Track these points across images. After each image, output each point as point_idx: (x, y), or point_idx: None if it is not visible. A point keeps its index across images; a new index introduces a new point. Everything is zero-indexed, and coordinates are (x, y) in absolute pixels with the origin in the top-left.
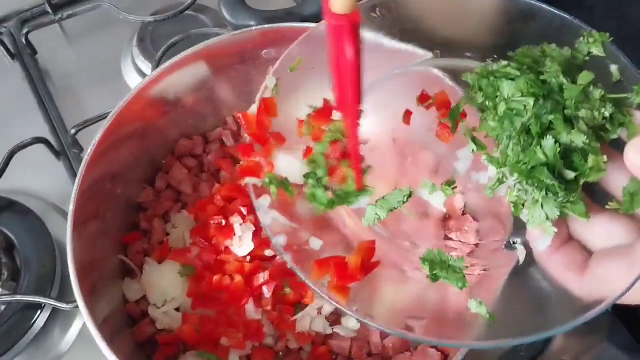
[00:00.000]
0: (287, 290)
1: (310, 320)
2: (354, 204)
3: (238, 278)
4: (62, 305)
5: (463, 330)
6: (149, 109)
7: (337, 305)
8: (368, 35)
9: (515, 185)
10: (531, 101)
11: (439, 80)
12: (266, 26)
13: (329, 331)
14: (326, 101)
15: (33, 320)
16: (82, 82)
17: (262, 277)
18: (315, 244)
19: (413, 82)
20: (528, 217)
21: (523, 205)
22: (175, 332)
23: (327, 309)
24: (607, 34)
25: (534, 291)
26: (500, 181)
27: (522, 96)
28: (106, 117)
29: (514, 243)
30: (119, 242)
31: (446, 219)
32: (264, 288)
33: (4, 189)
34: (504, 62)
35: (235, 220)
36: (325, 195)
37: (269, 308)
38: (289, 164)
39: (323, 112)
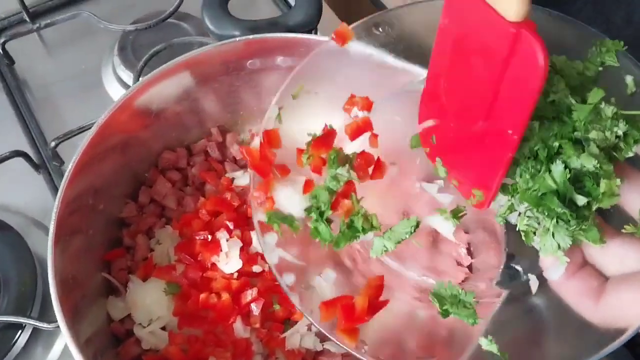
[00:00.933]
0: (276, 306)
1: (300, 337)
2: (359, 239)
3: (225, 296)
4: (43, 325)
5: None
6: (132, 121)
7: (347, 349)
8: (372, 51)
9: (525, 213)
10: (536, 125)
11: None
12: (250, 36)
13: (319, 348)
14: (326, 127)
15: (13, 341)
16: (62, 93)
17: (250, 294)
18: (328, 276)
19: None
20: (540, 245)
21: (534, 233)
22: (162, 352)
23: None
24: (621, 42)
25: (531, 320)
26: (511, 209)
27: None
28: (88, 129)
29: (522, 274)
30: (102, 259)
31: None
32: (252, 305)
33: None
34: None
35: (222, 236)
36: (329, 231)
37: (257, 326)
38: (288, 197)
39: (323, 140)
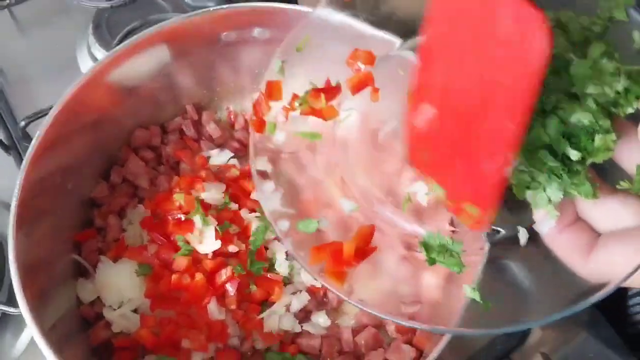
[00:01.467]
0: (253, 287)
1: (278, 318)
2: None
3: (199, 276)
4: (11, 310)
5: (451, 318)
6: (102, 97)
7: (334, 291)
8: (343, 18)
9: (518, 166)
10: None
11: None
12: (225, 6)
13: (297, 329)
14: (328, 81)
15: None
16: (35, 73)
17: (225, 273)
18: (323, 224)
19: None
20: (532, 199)
21: (527, 187)
22: (133, 336)
23: (296, 306)
24: None
25: (516, 274)
26: None
27: None
28: None
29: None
30: (72, 240)
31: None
32: (228, 285)
33: None
34: None
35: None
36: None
37: (233, 307)
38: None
39: (325, 91)
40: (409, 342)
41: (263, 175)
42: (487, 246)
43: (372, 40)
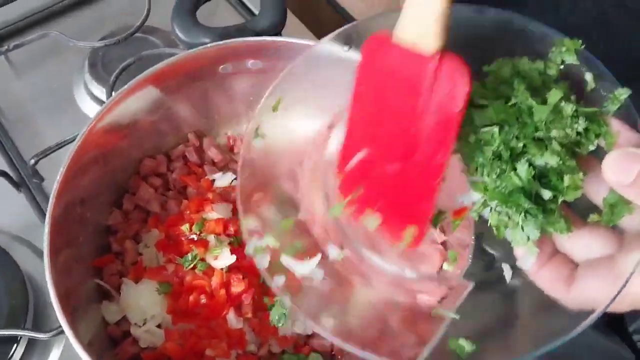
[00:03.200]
0: (266, 299)
1: (291, 323)
2: None
3: (221, 292)
4: (40, 335)
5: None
6: (110, 134)
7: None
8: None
9: (495, 209)
10: (496, 129)
11: None
12: (221, 42)
13: (309, 331)
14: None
15: (9, 355)
16: (35, 113)
17: (240, 285)
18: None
19: None
20: (511, 238)
21: (505, 226)
22: (159, 349)
23: None
24: (579, 41)
25: (503, 307)
26: (485, 205)
27: (491, 125)
28: (66, 145)
29: (495, 260)
30: (93, 266)
31: None
32: (244, 297)
33: None
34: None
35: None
36: None
37: (249, 316)
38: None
39: None
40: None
41: (252, 233)
42: (471, 285)
43: None
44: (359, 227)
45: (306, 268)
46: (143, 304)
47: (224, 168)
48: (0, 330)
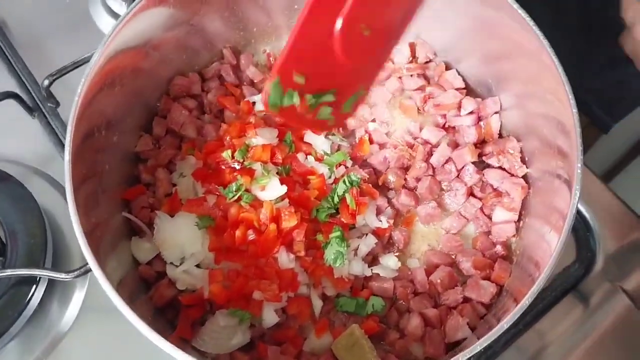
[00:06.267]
0: (320, 237)
1: (348, 263)
2: None
3: (272, 227)
4: (61, 276)
5: None
6: (131, 50)
7: None
8: None
9: None
10: None
11: None
12: None
13: (368, 273)
14: None
15: (28, 297)
16: (46, 31)
17: (292, 220)
18: None
19: None
20: None
21: None
22: (199, 292)
23: (363, 249)
24: None
25: None
26: None
27: None
28: (82, 64)
29: None
30: (120, 199)
31: (482, 143)
32: (295, 232)
33: None
34: None
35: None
36: None
37: (302, 254)
38: None
39: None
40: (487, 278)
41: None
42: None
43: None
44: None
45: None
46: (180, 240)
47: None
48: (18, 269)
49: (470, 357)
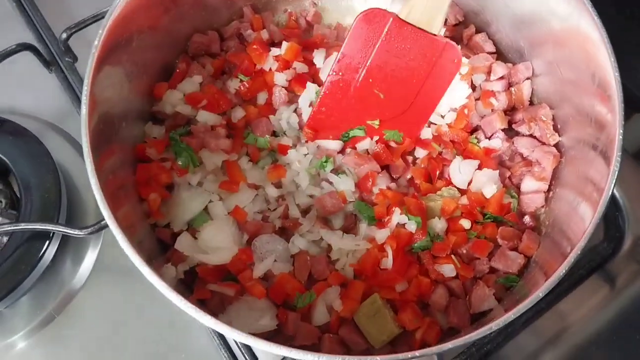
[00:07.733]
0: None
1: None
2: None
3: None
4: (75, 232)
5: None
6: (149, 5)
7: None
8: None
9: None
10: None
11: None
12: None
13: None
14: None
15: (41, 253)
16: None
17: None
18: None
19: None
20: None
21: None
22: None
23: None
24: None
25: None
26: None
27: None
28: (100, 19)
29: None
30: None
31: (512, 110)
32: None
33: None
34: None
35: None
36: None
37: None
38: None
39: None
40: (515, 249)
41: None
42: None
43: None
44: None
45: None
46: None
47: None
48: (32, 224)
49: (490, 333)
